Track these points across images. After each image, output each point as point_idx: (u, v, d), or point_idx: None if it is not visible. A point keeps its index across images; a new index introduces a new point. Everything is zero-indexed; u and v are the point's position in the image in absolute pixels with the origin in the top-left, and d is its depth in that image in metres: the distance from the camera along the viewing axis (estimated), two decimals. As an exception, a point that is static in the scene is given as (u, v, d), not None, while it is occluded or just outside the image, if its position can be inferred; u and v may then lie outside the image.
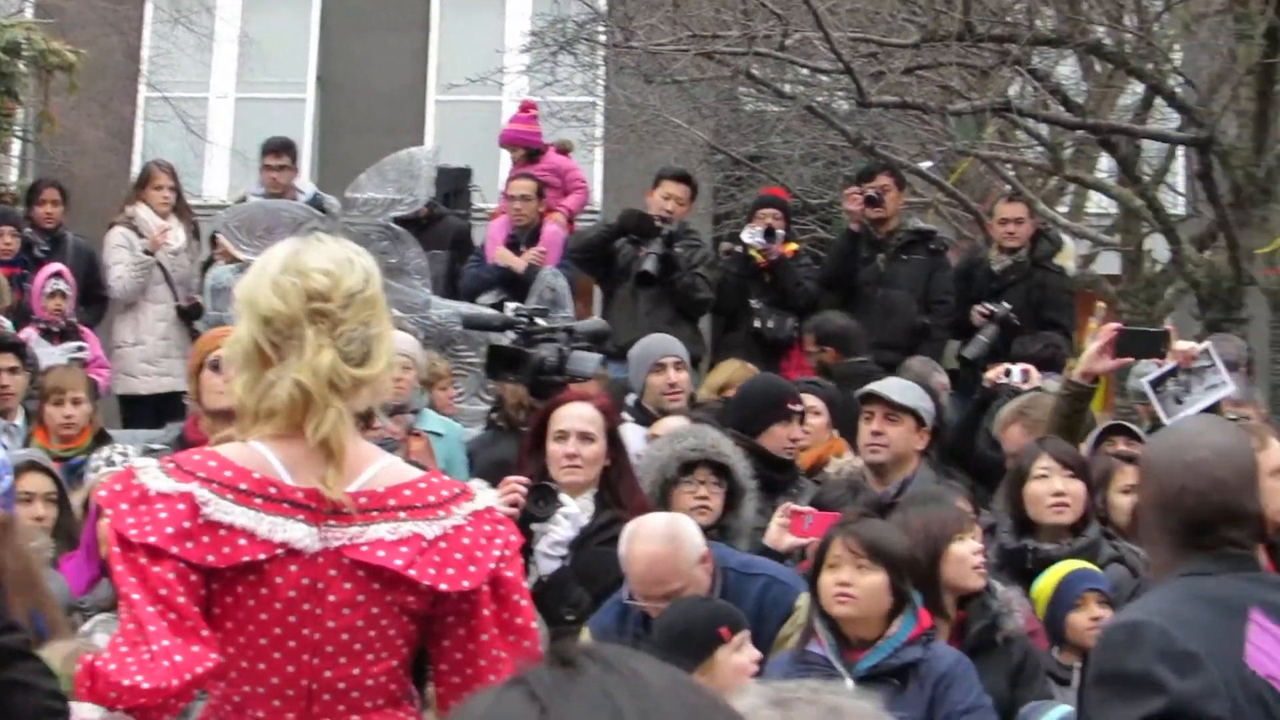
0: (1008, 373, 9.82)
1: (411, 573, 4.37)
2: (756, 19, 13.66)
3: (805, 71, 16.11)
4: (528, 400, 9.15)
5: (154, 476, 4.39)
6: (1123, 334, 7.49)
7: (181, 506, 4.30)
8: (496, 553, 4.49)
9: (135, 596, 4.29)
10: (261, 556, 4.34)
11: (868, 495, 7.89)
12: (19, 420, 10.03)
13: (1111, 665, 4.55)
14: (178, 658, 4.19)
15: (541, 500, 6.95)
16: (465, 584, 4.41)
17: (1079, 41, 13.72)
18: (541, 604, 6.66)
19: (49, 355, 11.29)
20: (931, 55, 14.46)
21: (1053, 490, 7.30)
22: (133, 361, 12.82)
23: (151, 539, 4.25)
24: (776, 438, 8.28)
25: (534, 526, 7.10)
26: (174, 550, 4.27)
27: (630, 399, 9.64)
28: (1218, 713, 4.32)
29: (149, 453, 7.56)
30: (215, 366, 6.77)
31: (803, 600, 6.59)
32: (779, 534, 7.25)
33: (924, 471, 8.20)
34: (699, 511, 7.45)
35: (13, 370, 10.18)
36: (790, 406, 8.55)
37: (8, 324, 11.52)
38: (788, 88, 16.66)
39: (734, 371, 10.15)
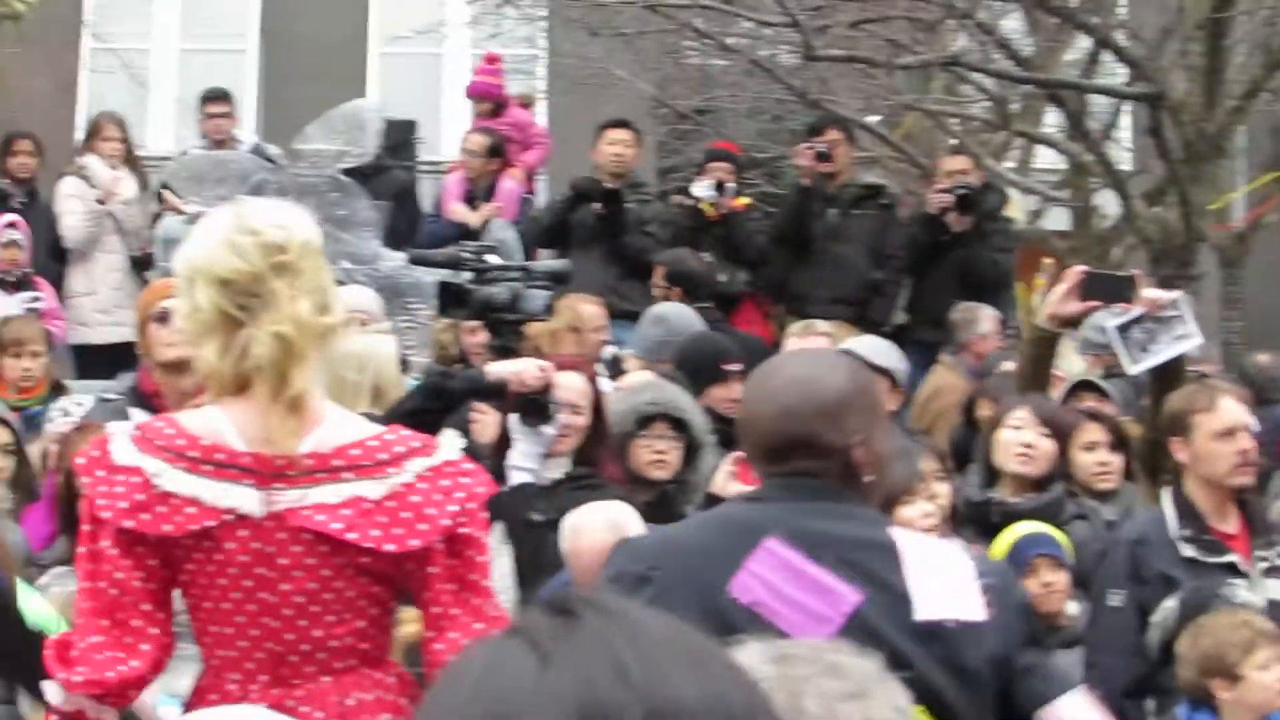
0: None
1: (351, 536, 4.35)
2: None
3: (750, 24, 16.08)
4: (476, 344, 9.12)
5: (122, 447, 4.40)
6: (1089, 277, 7.39)
7: (137, 479, 4.32)
8: (454, 508, 4.44)
9: (86, 585, 4.36)
10: (211, 523, 4.33)
11: None
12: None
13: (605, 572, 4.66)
14: (119, 654, 4.26)
15: (533, 413, 6.96)
16: (413, 543, 4.38)
17: (1026, -6, 13.66)
18: (509, 507, 6.83)
19: (4, 306, 11.23)
20: (878, 9, 14.63)
21: (1022, 441, 7.32)
22: (86, 311, 12.81)
23: (105, 514, 4.29)
24: (714, 399, 8.29)
25: (514, 431, 7.14)
26: (129, 524, 4.29)
27: (606, 354, 9.60)
28: None
29: (104, 402, 7.63)
30: (162, 319, 6.63)
31: None
32: (725, 481, 7.12)
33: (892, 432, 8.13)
34: (657, 465, 7.49)
35: (-31, 323, 10.39)
36: (725, 367, 8.55)
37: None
38: (733, 41, 16.62)
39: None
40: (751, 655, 2.57)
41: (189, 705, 4.59)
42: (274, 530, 4.35)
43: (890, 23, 15.42)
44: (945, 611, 4.21)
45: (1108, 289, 7.65)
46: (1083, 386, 8.63)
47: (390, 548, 4.35)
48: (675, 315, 9.75)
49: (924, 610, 4.16)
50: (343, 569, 4.39)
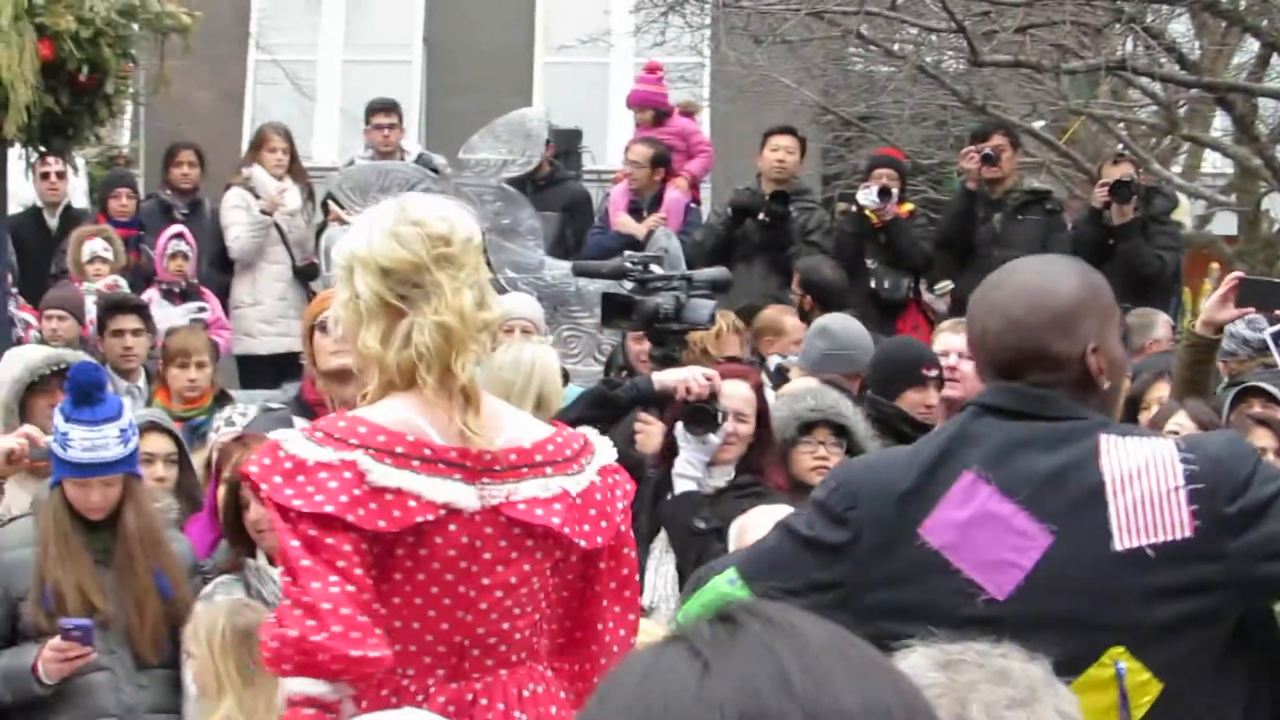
0: None
1: (567, 530, 4.47)
2: (868, -23, 13.59)
3: (915, 31, 16.07)
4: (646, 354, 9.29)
5: (307, 446, 4.43)
6: (1245, 283, 7.24)
7: (348, 475, 4.34)
8: (621, 505, 4.64)
9: (305, 563, 4.34)
10: (429, 518, 4.39)
11: None
12: (141, 382, 10.19)
13: (814, 494, 4.63)
14: (376, 630, 4.33)
15: (698, 423, 7.00)
16: (599, 540, 4.54)
17: (1193, -2, 13.57)
18: (674, 515, 7.04)
19: (170, 316, 11.49)
20: (1044, 13, 14.51)
21: None
22: (251, 321, 12.99)
23: (328, 508, 4.30)
24: (910, 402, 8.26)
25: (679, 439, 7.19)
26: (350, 518, 4.32)
27: (771, 363, 9.67)
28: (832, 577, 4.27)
29: (267, 411, 7.86)
30: (324, 328, 6.78)
31: None
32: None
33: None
34: (819, 471, 7.41)
35: (136, 332, 10.35)
36: (924, 372, 8.49)
37: (125, 285, 11.88)
38: (897, 47, 16.58)
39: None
40: (918, 661, 2.64)
41: (358, 700, 4.55)
42: (483, 525, 4.43)
43: (1056, 27, 15.22)
44: (1145, 536, 4.05)
45: (1264, 295, 7.55)
46: (1251, 392, 8.45)
47: (583, 544, 4.50)
48: (839, 327, 9.68)
49: (1122, 539, 4.02)
50: (540, 563, 4.52)
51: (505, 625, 4.56)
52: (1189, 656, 4.13)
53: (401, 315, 4.42)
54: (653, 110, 15.42)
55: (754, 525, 6.47)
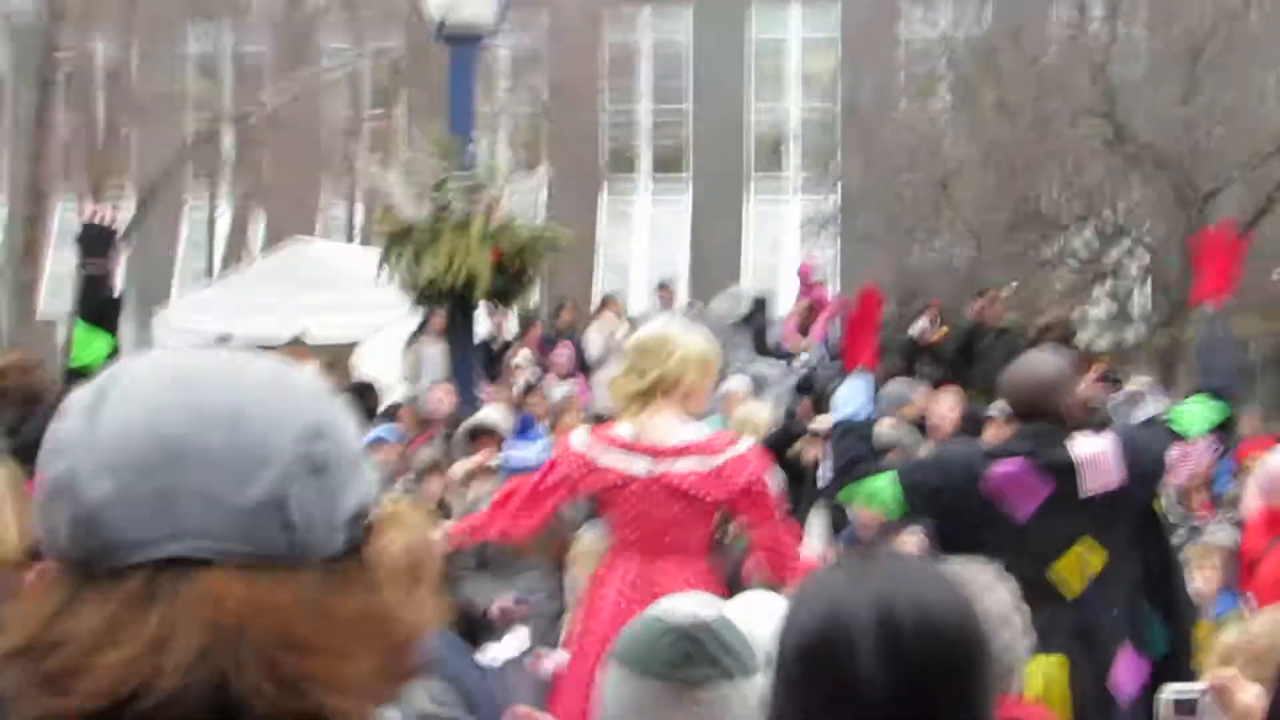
0: None
1: (694, 491, 5.62)
2: None
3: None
4: None
5: (586, 442, 5.88)
6: None
7: (589, 457, 5.80)
8: (744, 478, 5.73)
9: (534, 479, 5.94)
10: (619, 482, 5.69)
11: None
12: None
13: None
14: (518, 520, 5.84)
15: None
16: (722, 495, 5.68)
17: None
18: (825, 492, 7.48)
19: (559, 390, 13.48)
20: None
21: None
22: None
23: (566, 471, 5.83)
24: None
25: None
26: (575, 476, 5.82)
27: None
28: (927, 480, 5.82)
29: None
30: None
31: None
32: None
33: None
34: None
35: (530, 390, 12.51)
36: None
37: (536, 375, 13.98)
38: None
39: None
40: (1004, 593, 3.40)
41: (599, 568, 6.03)
42: (651, 485, 5.66)
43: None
44: (1095, 487, 5.57)
45: None
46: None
47: (709, 497, 5.68)
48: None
49: (1085, 489, 5.57)
50: (686, 506, 5.67)
51: (668, 538, 5.67)
52: (1122, 537, 5.63)
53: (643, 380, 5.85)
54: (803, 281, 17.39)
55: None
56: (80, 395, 1.32)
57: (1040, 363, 5.77)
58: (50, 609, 1.27)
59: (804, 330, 16.78)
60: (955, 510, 5.59)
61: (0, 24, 29.04)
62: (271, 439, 1.27)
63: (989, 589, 3.08)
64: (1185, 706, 2.96)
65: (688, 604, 2.62)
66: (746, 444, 5.84)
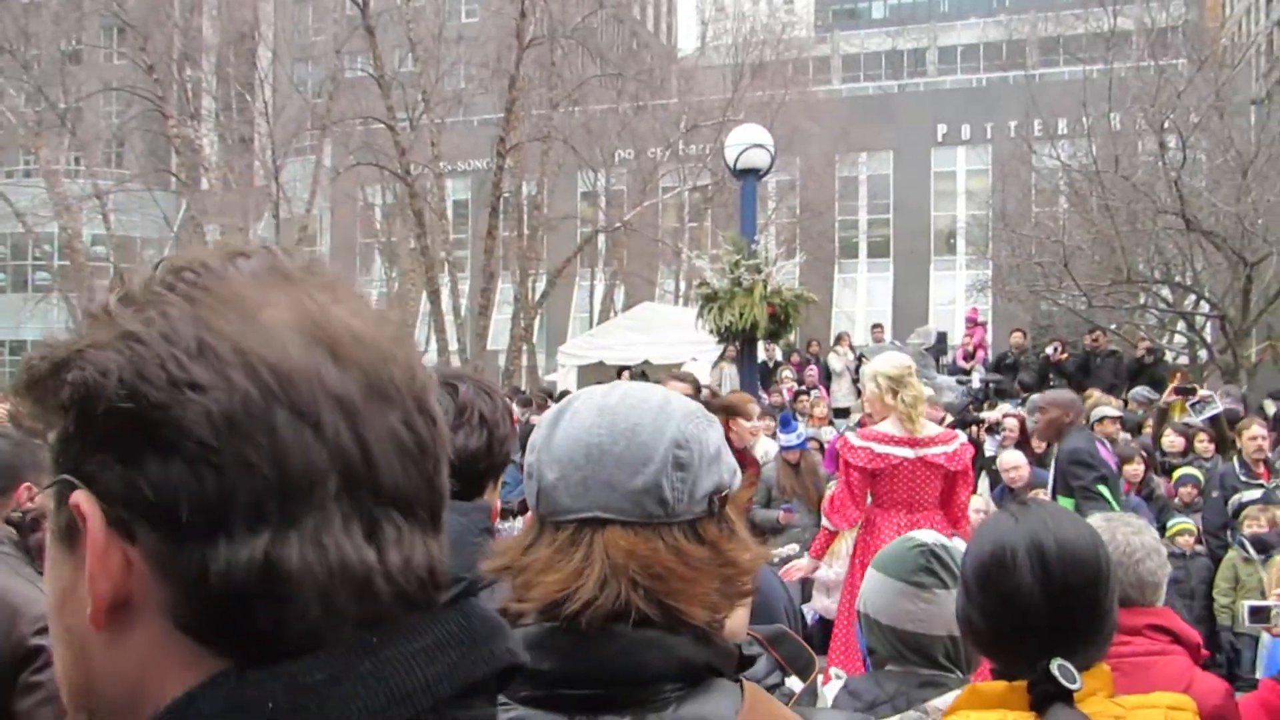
0: None
1: (947, 466, 5.28)
2: None
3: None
4: None
5: (862, 442, 5.38)
6: None
7: (873, 449, 5.31)
8: (959, 463, 5.34)
9: (843, 479, 5.35)
10: (894, 463, 5.27)
11: None
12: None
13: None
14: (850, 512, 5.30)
15: None
16: (955, 466, 5.33)
17: None
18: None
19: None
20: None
21: None
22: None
23: (860, 462, 5.31)
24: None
25: None
26: (867, 465, 5.28)
27: None
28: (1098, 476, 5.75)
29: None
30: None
31: None
32: None
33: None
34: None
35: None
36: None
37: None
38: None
39: None
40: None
41: (869, 516, 5.41)
42: (916, 465, 5.26)
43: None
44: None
45: None
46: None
47: (950, 469, 5.32)
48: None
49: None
50: (937, 478, 5.31)
51: (920, 495, 5.28)
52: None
53: (894, 395, 5.34)
54: (969, 323, 17.11)
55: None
56: (548, 413, 1.37)
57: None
58: (521, 545, 1.34)
59: (969, 356, 16.62)
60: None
61: (471, 174, 30.63)
62: (652, 447, 1.30)
63: (1140, 531, 2.77)
64: (1260, 614, 2.72)
65: (929, 534, 2.50)
66: (962, 437, 5.55)
